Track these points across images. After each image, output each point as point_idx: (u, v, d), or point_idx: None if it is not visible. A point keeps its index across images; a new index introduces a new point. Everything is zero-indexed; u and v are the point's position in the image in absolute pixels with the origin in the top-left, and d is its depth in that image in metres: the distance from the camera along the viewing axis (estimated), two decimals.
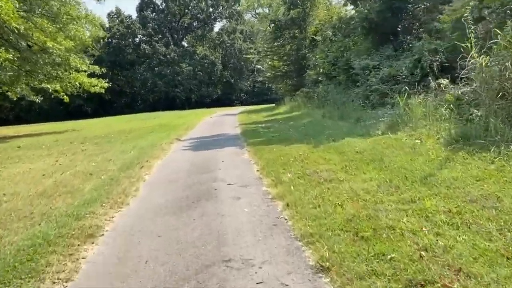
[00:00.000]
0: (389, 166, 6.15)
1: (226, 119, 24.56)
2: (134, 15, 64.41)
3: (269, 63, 37.61)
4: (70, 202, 5.94)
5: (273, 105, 39.81)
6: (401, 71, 12.66)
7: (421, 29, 14.48)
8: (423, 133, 8.05)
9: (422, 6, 14.73)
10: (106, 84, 25.98)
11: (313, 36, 34.09)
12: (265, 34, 37.04)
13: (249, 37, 67.71)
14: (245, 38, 66.24)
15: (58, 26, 21.83)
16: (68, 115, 56.92)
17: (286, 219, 4.70)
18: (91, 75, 26.38)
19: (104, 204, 5.73)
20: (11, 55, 17.85)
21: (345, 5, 23.56)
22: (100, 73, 25.35)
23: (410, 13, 15.51)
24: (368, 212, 4.39)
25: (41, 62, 21.43)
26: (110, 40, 61.45)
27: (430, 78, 10.49)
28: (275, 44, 34.47)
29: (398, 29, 16.17)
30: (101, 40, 61.68)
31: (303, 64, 33.50)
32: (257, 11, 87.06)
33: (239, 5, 69.20)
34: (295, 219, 4.58)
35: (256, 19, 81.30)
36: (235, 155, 9.56)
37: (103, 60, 58.05)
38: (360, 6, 17.57)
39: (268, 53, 35.92)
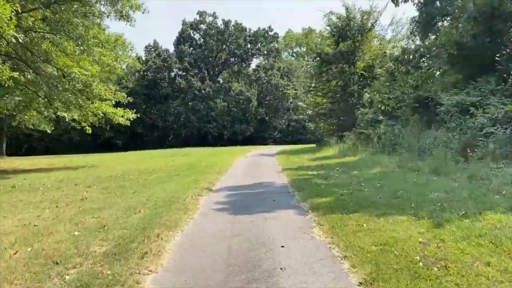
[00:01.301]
0: None
1: (264, 161, 21.02)
2: (172, 49, 63.79)
3: (311, 99, 34.30)
4: None
5: (313, 146, 36.14)
6: None
7: None
8: None
9: None
10: (134, 115, 23.23)
11: (363, 71, 30.84)
12: (309, 68, 34.01)
13: (287, 74, 65.37)
14: (283, 75, 63.88)
15: (82, 48, 19.43)
16: (98, 147, 55.39)
17: None
18: (119, 105, 23.93)
19: None
20: (22, 76, 15.28)
21: (412, 34, 20.03)
22: (127, 102, 22.67)
23: None
24: None
25: (60, 88, 18.95)
26: (145, 73, 60.64)
27: None
28: (320, 79, 31.24)
29: (497, 57, 12.46)
30: (137, 73, 61.12)
31: (351, 102, 30.03)
32: (294, 50, 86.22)
33: (277, 42, 67.59)
34: None
35: (294, 58, 79.84)
36: (299, 232, 5.86)
37: (138, 92, 56.90)
38: (445, 29, 14.01)
39: (311, 89, 32.66)
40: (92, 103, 21.22)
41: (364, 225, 5.85)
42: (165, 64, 59.19)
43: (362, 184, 9.84)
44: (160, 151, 38.02)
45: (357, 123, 27.39)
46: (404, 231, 5.42)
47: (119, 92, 23.39)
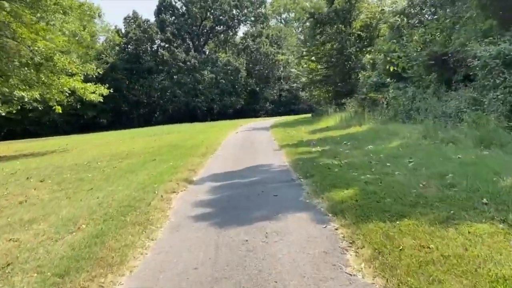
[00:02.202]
0: None
1: (257, 136, 18.62)
2: (153, 19, 59.80)
3: (304, 65, 31.59)
4: None
5: (309, 116, 33.75)
6: None
7: None
8: None
9: None
10: (107, 91, 20.49)
11: (359, 32, 28.13)
12: (301, 30, 31.13)
13: (276, 41, 62.00)
14: (272, 42, 60.53)
15: (39, 15, 16.50)
16: (82, 127, 52.45)
17: None
18: (94, 80, 21.13)
19: None
20: None
21: None
22: (96, 74, 19.92)
23: None
24: None
25: (16, 63, 16.17)
26: (126, 46, 56.98)
27: None
28: (313, 42, 28.47)
29: None
30: (117, 47, 57.40)
31: (348, 66, 27.48)
32: (283, 16, 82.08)
33: (264, 7, 63.80)
34: None
35: (282, 25, 75.93)
36: (325, 266, 3.50)
37: (119, 67, 53.57)
38: None
39: (304, 53, 29.89)
40: (58, 79, 18.50)
41: (431, 245, 3.54)
42: (146, 36, 55.50)
43: (388, 164, 7.51)
44: (145, 130, 35.40)
45: (358, 88, 24.97)
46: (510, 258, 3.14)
47: (88, 64, 20.55)
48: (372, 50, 21.16)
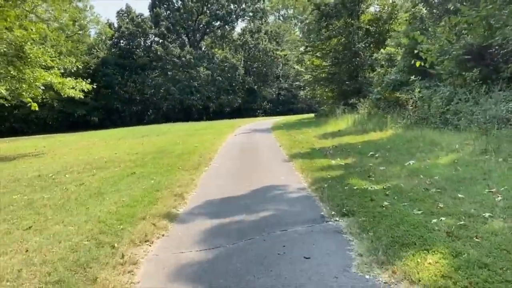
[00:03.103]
0: None
1: (260, 141, 16.28)
2: (147, 13, 57.22)
3: (308, 62, 29.23)
4: None
5: (312, 117, 31.47)
6: None
7: None
8: None
9: None
10: (89, 86, 17.97)
11: (368, 26, 25.88)
12: (305, 23, 28.81)
13: (275, 38, 59.60)
14: (271, 39, 58.11)
15: None
16: (72, 126, 49.74)
17: None
18: (79, 76, 18.69)
19: None
20: None
21: None
22: (75, 68, 17.49)
23: None
24: None
25: None
26: (118, 40, 54.38)
27: None
28: (319, 37, 26.14)
29: None
30: (109, 41, 54.75)
31: (356, 63, 25.21)
32: (281, 13, 79.44)
33: (263, 2, 61.32)
34: None
35: (281, 21, 73.39)
36: None
37: (110, 62, 50.96)
38: None
39: (308, 48, 27.52)
40: (32, 73, 16.04)
41: None
42: (140, 30, 52.93)
43: (459, 196, 5.20)
44: (136, 129, 32.94)
45: (366, 87, 22.75)
46: None
47: (67, 58, 18.06)
48: (388, 44, 18.88)
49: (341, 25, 25.16)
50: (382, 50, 19.26)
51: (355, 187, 6.25)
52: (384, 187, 6.08)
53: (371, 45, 25.20)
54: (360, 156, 9.49)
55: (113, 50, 53.88)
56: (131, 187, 7.48)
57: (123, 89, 52.32)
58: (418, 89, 12.91)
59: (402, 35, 15.64)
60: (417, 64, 12.18)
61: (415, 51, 12.03)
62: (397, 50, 17.27)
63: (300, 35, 30.17)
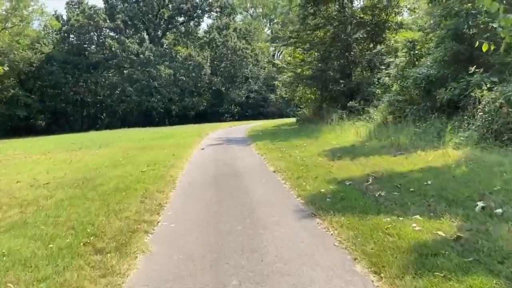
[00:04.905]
0: None
1: (239, 159, 11.37)
2: (100, 4, 50.92)
3: (289, 57, 24.61)
4: None
5: (293, 122, 26.93)
6: None
7: None
8: None
9: None
10: None
11: (361, 16, 21.68)
12: (287, 12, 24.22)
13: (244, 36, 54.85)
14: (240, 37, 53.29)
15: None
16: (13, 131, 42.47)
17: None
18: None
19: None
20: None
21: None
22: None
23: None
24: None
25: None
26: (67, 34, 47.75)
27: None
28: (304, 26, 21.62)
29: None
30: (56, 35, 47.98)
31: (350, 59, 20.88)
32: (250, 12, 74.72)
33: None
34: None
35: (252, 18, 68.78)
36: None
37: (56, 59, 44.25)
38: None
39: (291, 40, 22.83)
40: None
41: None
42: (92, 23, 46.53)
43: None
44: (80, 136, 27.05)
45: (365, 88, 18.47)
46: None
47: None
48: (405, 28, 14.55)
49: (331, 12, 20.76)
50: (398, 35, 14.91)
51: None
52: None
53: (367, 38, 20.97)
54: (456, 206, 4.82)
55: (61, 45, 47.13)
56: None
57: (72, 89, 45.68)
58: (488, 86, 8.50)
59: (441, 12, 11.21)
60: (484, 48, 7.36)
61: (465, 32, 7.53)
62: (423, 34, 12.99)
63: (280, 25, 25.59)
